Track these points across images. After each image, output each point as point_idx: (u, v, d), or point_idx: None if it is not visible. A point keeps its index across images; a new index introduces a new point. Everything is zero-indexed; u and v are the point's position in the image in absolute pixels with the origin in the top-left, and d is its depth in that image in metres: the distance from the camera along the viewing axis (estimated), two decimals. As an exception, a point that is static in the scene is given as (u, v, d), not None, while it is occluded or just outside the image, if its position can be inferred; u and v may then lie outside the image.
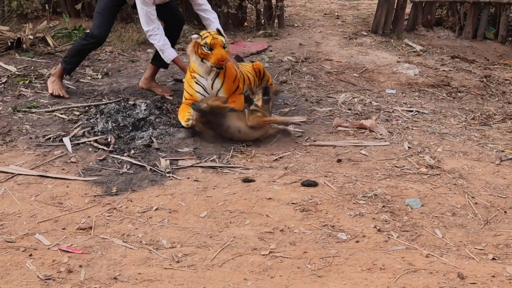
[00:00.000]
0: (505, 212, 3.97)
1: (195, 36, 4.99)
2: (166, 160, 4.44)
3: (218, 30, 5.09)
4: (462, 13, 8.83)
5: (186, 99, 5.17)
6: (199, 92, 5.10)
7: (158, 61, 5.77)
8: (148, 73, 5.89)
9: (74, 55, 5.64)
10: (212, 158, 4.52)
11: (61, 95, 5.58)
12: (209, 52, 4.91)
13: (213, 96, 5.04)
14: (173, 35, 5.68)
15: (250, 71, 5.54)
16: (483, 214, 3.93)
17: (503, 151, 4.99)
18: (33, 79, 6.05)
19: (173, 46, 5.64)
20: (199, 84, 5.09)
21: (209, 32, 5.02)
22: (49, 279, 3.01)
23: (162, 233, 3.49)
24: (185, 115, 4.92)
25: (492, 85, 6.96)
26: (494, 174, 4.53)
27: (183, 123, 4.89)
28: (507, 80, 7.16)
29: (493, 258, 3.40)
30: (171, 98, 5.67)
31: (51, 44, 7.13)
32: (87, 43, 5.54)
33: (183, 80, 6.05)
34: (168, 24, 5.70)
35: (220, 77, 5.08)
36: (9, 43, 6.84)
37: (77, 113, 5.24)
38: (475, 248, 3.50)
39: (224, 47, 4.96)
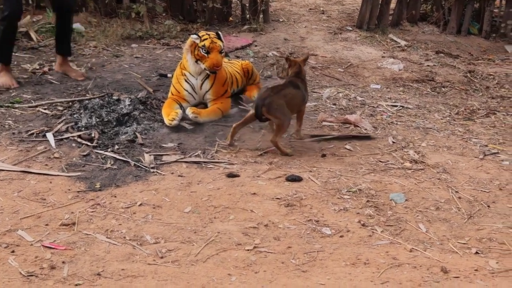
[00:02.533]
0: (488, 206, 3.99)
1: (194, 36, 4.99)
2: (150, 155, 4.42)
3: (217, 34, 5.08)
4: (447, 8, 8.88)
5: (172, 94, 5.16)
6: (187, 90, 5.10)
7: (60, 49, 6.05)
8: (59, 59, 6.07)
9: (1, 45, 5.65)
10: (196, 153, 4.51)
11: (12, 86, 5.62)
12: (205, 55, 4.93)
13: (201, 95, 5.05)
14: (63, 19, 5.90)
15: (239, 71, 5.53)
16: (466, 208, 3.95)
17: (486, 145, 5.01)
18: (16, 73, 5.99)
19: (64, 24, 5.94)
20: (188, 83, 5.09)
21: (208, 35, 5.01)
22: (32, 275, 2.99)
23: (146, 229, 3.48)
24: (170, 112, 4.90)
25: (476, 80, 7.00)
26: (478, 169, 4.56)
27: (166, 121, 4.87)
28: (491, 75, 7.20)
29: (476, 252, 3.41)
30: (82, 79, 5.93)
31: (34, 38, 7.09)
32: (3, 25, 5.52)
33: (168, 75, 6.06)
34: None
35: (210, 79, 5.09)
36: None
37: (61, 108, 5.20)
38: (458, 242, 3.52)
39: (221, 52, 4.97)
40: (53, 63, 6.37)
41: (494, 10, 8.87)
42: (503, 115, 5.88)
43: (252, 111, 4.59)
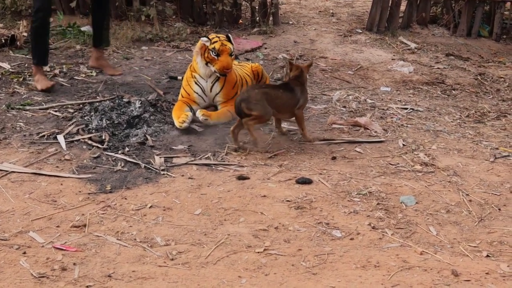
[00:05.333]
0: (499, 209, 3.98)
1: (204, 39, 5.01)
2: (160, 157, 4.43)
3: (227, 36, 5.09)
4: (457, 10, 8.85)
5: (182, 96, 5.18)
6: (197, 93, 5.12)
7: (97, 41, 6.06)
8: (96, 53, 6.08)
9: (35, 45, 5.69)
10: (206, 156, 4.51)
11: (49, 86, 5.63)
12: (215, 57, 4.94)
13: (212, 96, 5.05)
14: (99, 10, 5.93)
15: (249, 74, 5.53)
16: (477, 211, 3.93)
17: (497, 148, 5.00)
18: (27, 76, 6.03)
19: (101, 21, 5.97)
20: (198, 85, 5.11)
21: (218, 37, 5.02)
22: (43, 277, 3.00)
23: (156, 231, 3.49)
24: (181, 115, 4.91)
25: (487, 82, 6.97)
26: (488, 172, 4.54)
27: (177, 124, 4.88)
28: (502, 77, 7.17)
29: (487, 255, 3.40)
30: (119, 76, 5.98)
31: (45, 41, 7.10)
32: (36, 22, 5.56)
33: (178, 77, 6.08)
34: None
35: (220, 81, 5.10)
36: (3, 40, 6.83)
37: (71, 110, 5.22)
38: (469, 245, 3.51)
39: (231, 55, 4.97)
40: (64, 65, 6.40)
41: (505, 12, 8.83)
42: (514, 117, 5.86)
43: None
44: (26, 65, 6.36)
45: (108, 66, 6.14)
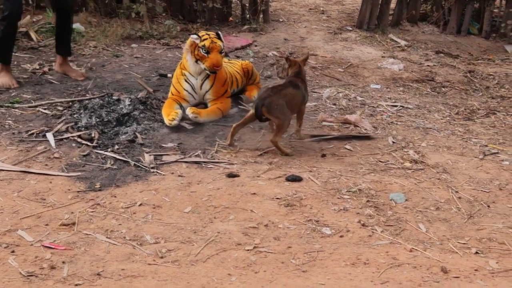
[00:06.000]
0: (488, 206, 3.99)
1: (194, 36, 5.00)
2: (150, 155, 4.42)
3: (217, 34, 5.09)
4: (447, 8, 8.87)
5: (172, 94, 5.17)
6: (187, 90, 5.11)
7: (59, 50, 6.07)
8: (59, 60, 6.09)
9: (1, 45, 5.66)
10: (196, 153, 4.51)
11: (12, 86, 5.65)
12: (205, 55, 4.94)
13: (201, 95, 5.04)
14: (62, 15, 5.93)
15: (239, 71, 5.54)
16: (466, 208, 3.95)
17: (486, 145, 5.01)
18: (16, 73, 5.99)
19: (62, 27, 5.96)
20: (188, 83, 5.10)
21: (208, 35, 5.02)
22: (32, 275, 2.99)
23: (145, 229, 3.48)
24: (170, 113, 4.90)
25: (476, 80, 7.00)
26: (478, 169, 4.55)
27: (166, 121, 4.87)
28: (491, 75, 7.20)
29: (476, 252, 3.41)
30: (82, 79, 5.95)
31: (34, 39, 7.09)
32: (4, 25, 5.54)
33: (168, 75, 6.06)
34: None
35: (210, 79, 5.10)
36: (-8, 38, 6.78)
37: (61, 108, 5.20)
38: (458, 242, 3.52)
39: (221, 52, 4.97)
40: (53, 63, 6.37)
41: (494, 10, 8.87)
42: (503, 115, 5.88)
43: (252, 111, 4.59)
44: (15, 62, 6.33)
45: (71, 70, 6.12)
